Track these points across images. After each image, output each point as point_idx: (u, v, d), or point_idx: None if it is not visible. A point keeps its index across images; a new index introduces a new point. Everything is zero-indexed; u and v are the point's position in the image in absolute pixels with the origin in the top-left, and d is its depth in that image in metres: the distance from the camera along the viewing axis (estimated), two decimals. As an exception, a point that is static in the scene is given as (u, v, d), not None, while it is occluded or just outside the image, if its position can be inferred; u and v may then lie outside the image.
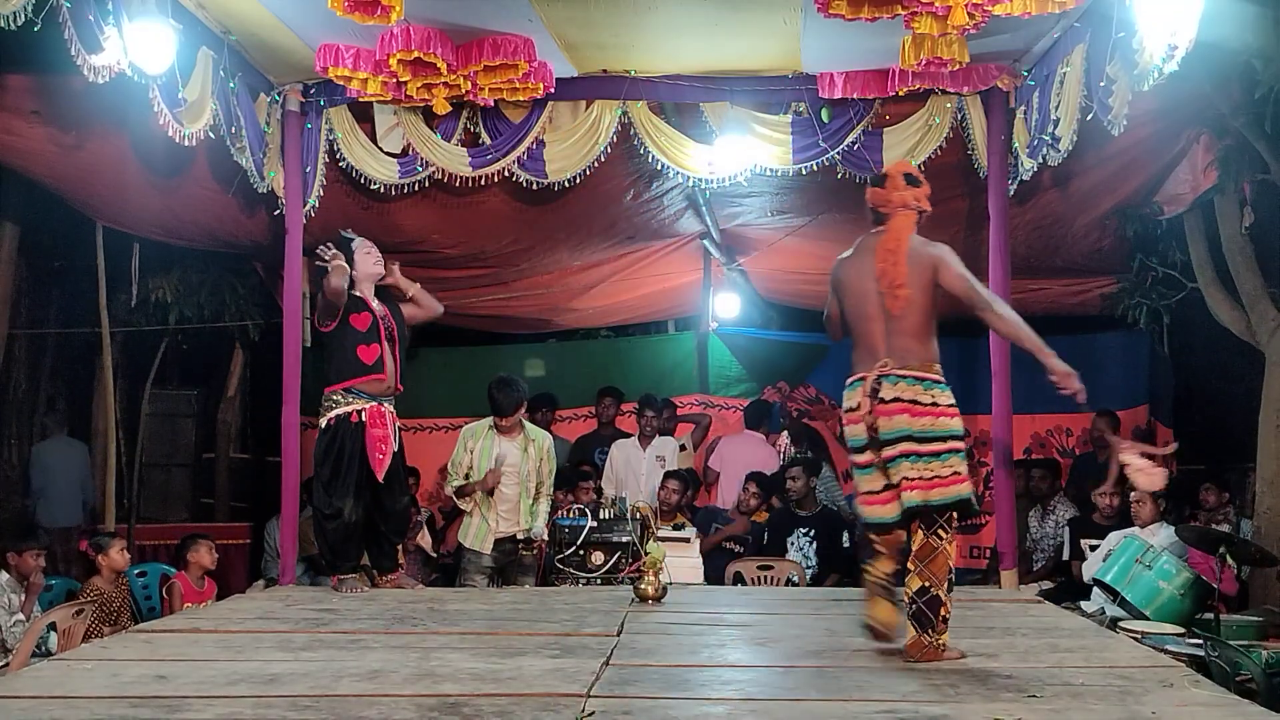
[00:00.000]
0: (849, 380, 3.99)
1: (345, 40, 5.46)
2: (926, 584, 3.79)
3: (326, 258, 5.41)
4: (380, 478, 5.49)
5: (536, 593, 5.87)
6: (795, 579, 6.59)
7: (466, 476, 6.27)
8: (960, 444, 3.88)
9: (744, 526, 7.14)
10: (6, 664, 4.86)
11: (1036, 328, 4.44)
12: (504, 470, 6.21)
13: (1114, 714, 3.15)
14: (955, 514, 3.86)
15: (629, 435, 8.04)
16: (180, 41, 4.98)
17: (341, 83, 5.75)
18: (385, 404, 5.54)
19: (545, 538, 6.36)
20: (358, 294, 5.56)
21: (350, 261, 5.54)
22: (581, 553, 6.10)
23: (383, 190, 6.42)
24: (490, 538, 6.25)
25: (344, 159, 6.30)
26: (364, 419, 5.44)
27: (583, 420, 8.96)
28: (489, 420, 6.36)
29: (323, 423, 5.48)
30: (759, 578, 6.60)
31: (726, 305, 9.83)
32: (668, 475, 7.25)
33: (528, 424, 6.52)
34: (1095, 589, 5.89)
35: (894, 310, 3.89)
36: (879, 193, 4.09)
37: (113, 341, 8.38)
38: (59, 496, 8.77)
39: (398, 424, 5.64)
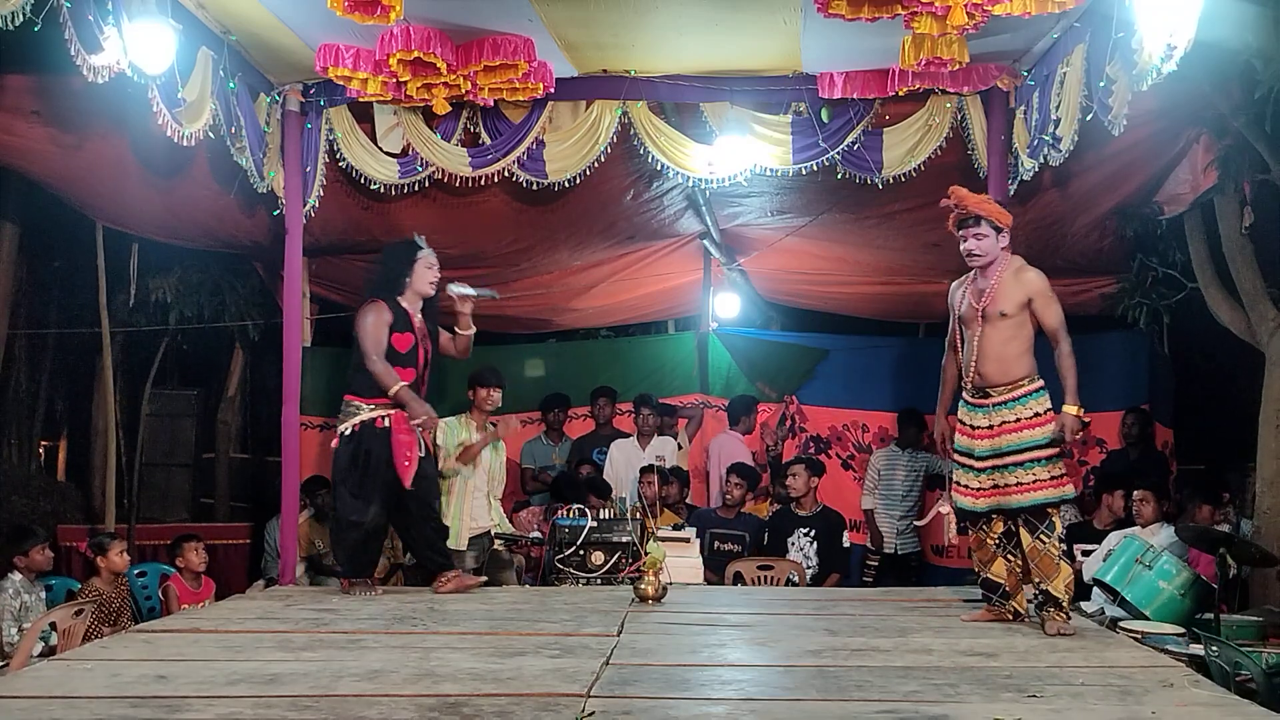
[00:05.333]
0: (1040, 385, 4.47)
1: (345, 40, 5.46)
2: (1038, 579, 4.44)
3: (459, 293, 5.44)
4: (408, 484, 5.34)
5: (536, 593, 5.87)
6: (795, 579, 6.59)
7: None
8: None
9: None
10: (6, 664, 4.86)
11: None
12: (477, 463, 6.26)
13: (1114, 714, 3.15)
14: None
15: (628, 435, 8.03)
16: (180, 41, 4.97)
17: (341, 83, 5.75)
18: None
19: (535, 535, 6.37)
20: (405, 308, 5.46)
21: (410, 270, 5.47)
22: (581, 553, 6.09)
23: (383, 190, 6.43)
24: (465, 534, 6.21)
25: (344, 159, 6.30)
26: (389, 424, 5.32)
27: (582, 420, 8.95)
28: (462, 416, 6.34)
29: (346, 429, 5.33)
30: (759, 578, 6.60)
31: (726, 305, 9.81)
32: (643, 470, 7.18)
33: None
34: (1095, 589, 5.89)
35: None
36: (1007, 216, 4.56)
37: (113, 341, 8.39)
38: None
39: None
